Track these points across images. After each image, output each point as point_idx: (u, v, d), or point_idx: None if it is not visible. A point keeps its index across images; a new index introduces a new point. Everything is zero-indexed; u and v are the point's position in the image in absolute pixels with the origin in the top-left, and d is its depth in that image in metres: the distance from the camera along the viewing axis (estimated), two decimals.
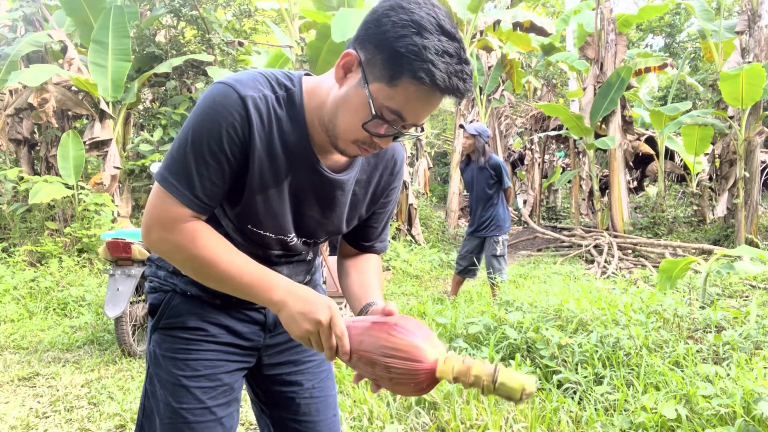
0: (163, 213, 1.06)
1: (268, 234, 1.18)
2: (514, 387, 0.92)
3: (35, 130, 8.52)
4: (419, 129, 1.07)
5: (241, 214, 1.14)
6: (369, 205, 1.30)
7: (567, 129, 10.70)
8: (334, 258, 4.65)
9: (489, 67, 13.03)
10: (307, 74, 1.16)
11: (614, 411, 2.63)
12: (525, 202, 16.00)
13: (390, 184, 1.32)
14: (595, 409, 2.67)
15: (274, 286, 1.07)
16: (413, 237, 9.99)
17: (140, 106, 9.57)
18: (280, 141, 1.09)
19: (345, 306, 4.41)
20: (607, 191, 10.93)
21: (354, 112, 1.02)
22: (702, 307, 4.14)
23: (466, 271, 5.56)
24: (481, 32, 11.41)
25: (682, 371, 2.82)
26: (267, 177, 1.10)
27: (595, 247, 9.12)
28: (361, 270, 1.34)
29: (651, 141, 12.35)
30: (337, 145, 1.09)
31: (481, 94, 12.66)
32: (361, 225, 1.35)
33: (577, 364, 3.06)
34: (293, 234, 1.21)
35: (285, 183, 1.13)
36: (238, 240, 1.18)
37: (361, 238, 1.38)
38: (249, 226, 1.16)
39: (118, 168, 7.89)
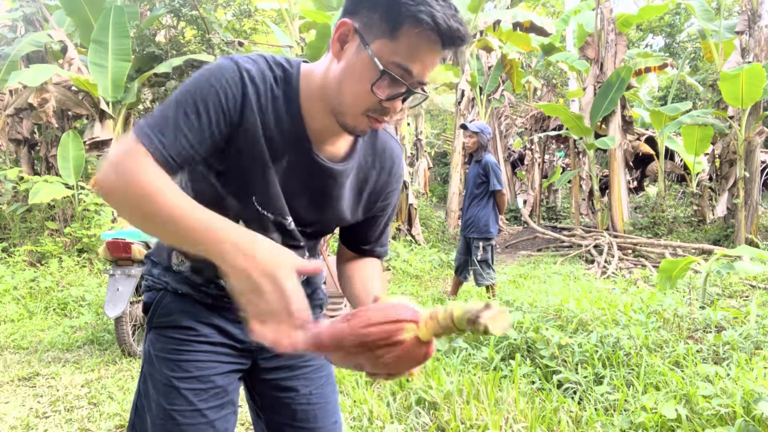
0: (121, 150, 0.96)
1: (266, 214, 1.14)
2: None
3: (35, 130, 8.52)
4: (425, 90, 1.05)
5: (243, 186, 1.11)
6: (366, 205, 1.27)
7: (567, 129, 10.70)
8: (334, 258, 4.66)
9: (489, 67, 13.04)
10: (304, 62, 1.15)
11: (614, 411, 2.63)
12: (525, 202, 16.01)
13: (388, 186, 1.29)
14: (595, 409, 2.67)
15: (220, 233, 0.89)
16: (413, 237, 9.99)
17: (140, 106, 9.56)
18: (275, 120, 1.08)
19: (346, 306, 4.41)
20: (607, 191, 10.94)
21: (359, 78, 1.00)
22: (702, 307, 4.14)
23: (459, 270, 5.55)
24: (481, 32, 11.41)
25: (682, 371, 2.82)
26: (263, 153, 1.08)
27: (595, 247, 9.13)
28: (362, 270, 1.30)
29: (651, 141, 12.35)
30: (346, 123, 1.06)
31: (481, 94, 12.66)
32: (359, 227, 1.32)
33: (577, 364, 3.06)
34: (290, 218, 1.18)
35: (279, 164, 1.11)
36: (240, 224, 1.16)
37: (360, 242, 1.34)
38: (253, 202, 1.12)
39: None
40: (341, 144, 1.17)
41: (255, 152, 1.07)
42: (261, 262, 0.86)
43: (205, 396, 1.19)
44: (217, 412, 1.20)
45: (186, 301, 1.21)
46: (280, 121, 1.08)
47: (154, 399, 1.19)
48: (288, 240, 1.21)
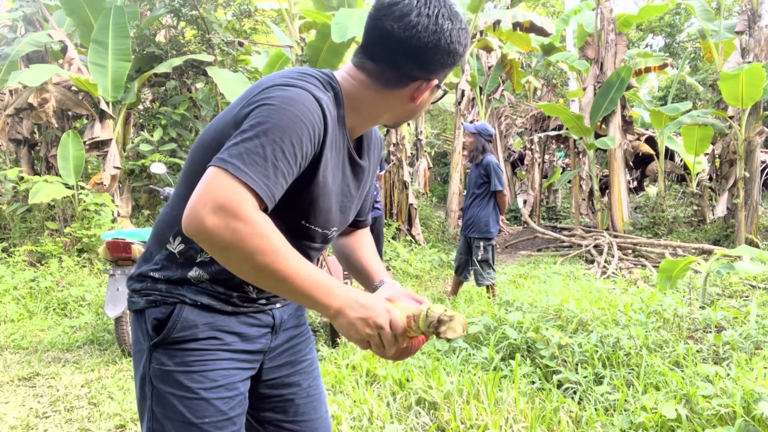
0: (230, 197, 0.93)
1: (315, 228, 1.21)
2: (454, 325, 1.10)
3: (35, 130, 8.52)
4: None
5: (298, 211, 1.15)
6: (370, 185, 1.40)
7: (567, 129, 10.70)
8: (334, 258, 4.65)
9: (489, 67, 13.02)
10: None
11: (614, 411, 2.63)
12: (525, 202, 16.00)
13: (378, 160, 1.42)
14: (595, 409, 2.67)
15: (333, 293, 1.03)
16: (413, 237, 9.99)
17: (140, 106, 9.56)
18: (335, 140, 1.15)
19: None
20: (607, 191, 10.93)
21: (428, 103, 1.24)
22: (702, 307, 4.14)
23: (459, 270, 5.55)
24: (481, 32, 11.40)
25: (682, 371, 2.82)
26: (328, 177, 1.15)
27: (595, 247, 9.12)
28: (362, 248, 1.45)
29: (651, 141, 12.35)
30: (398, 126, 1.34)
31: (481, 94, 12.66)
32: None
33: (577, 364, 3.06)
34: (335, 227, 1.27)
35: (339, 180, 1.20)
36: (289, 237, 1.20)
37: (356, 215, 1.44)
38: (303, 222, 1.18)
39: (118, 168, 7.88)
40: (356, 142, 1.30)
41: (324, 177, 1.14)
42: (376, 309, 1.06)
43: (232, 404, 1.19)
44: (241, 419, 1.22)
45: (206, 311, 1.18)
46: (338, 139, 1.16)
47: (177, 418, 1.15)
48: (324, 244, 1.29)
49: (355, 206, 1.32)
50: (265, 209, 1.00)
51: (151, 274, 1.20)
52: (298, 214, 1.16)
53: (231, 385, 1.19)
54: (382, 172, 6.62)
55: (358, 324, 1.04)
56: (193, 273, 1.17)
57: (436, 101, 1.27)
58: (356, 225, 1.47)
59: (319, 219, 1.19)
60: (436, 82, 1.18)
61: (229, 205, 0.93)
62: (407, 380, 3.01)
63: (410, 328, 1.10)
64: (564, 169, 15.67)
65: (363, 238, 1.48)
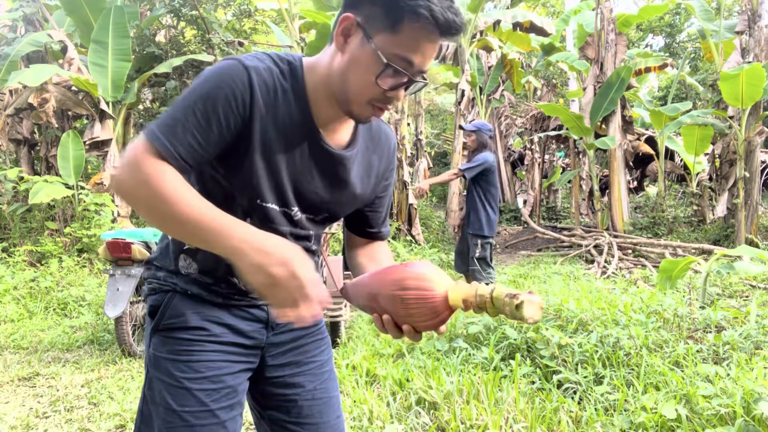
0: (136, 153, 1.01)
1: (271, 206, 1.17)
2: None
3: (35, 130, 8.52)
4: (425, 78, 1.11)
5: (250, 188, 1.14)
6: (374, 187, 1.33)
7: (567, 129, 10.70)
8: (334, 258, 4.66)
9: (489, 67, 13.03)
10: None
11: (614, 411, 2.63)
12: (525, 202, 16.00)
13: (389, 166, 1.36)
14: (595, 409, 2.67)
15: (232, 234, 0.97)
16: (413, 237, 9.99)
17: (140, 106, 9.57)
18: (285, 113, 1.12)
19: (346, 305, 4.41)
20: (607, 191, 10.94)
21: (365, 70, 1.05)
22: (702, 307, 4.14)
23: (456, 266, 5.58)
24: (481, 32, 11.41)
25: (682, 371, 2.82)
26: (272, 147, 1.11)
27: (595, 247, 9.12)
28: (375, 259, 1.36)
29: (651, 141, 12.35)
30: (352, 111, 1.12)
31: (481, 94, 12.66)
32: (366, 212, 1.37)
33: (577, 364, 3.06)
34: (296, 207, 1.21)
35: (288, 154, 1.15)
36: (253, 223, 1.16)
37: (367, 225, 1.40)
38: (258, 201, 1.15)
39: None
40: (344, 133, 1.23)
41: (264, 146, 1.11)
42: (274, 256, 0.95)
43: (216, 396, 1.18)
44: (228, 413, 1.21)
45: (196, 301, 1.21)
46: (290, 113, 1.12)
47: (161, 403, 1.17)
48: (296, 229, 1.24)
49: (331, 197, 1.23)
50: (182, 170, 1.03)
51: (154, 263, 1.27)
52: (252, 193, 1.14)
53: (216, 378, 1.19)
54: None
55: (252, 271, 0.95)
56: (183, 262, 1.21)
57: (409, 89, 1.09)
58: (367, 236, 1.41)
59: (272, 195, 1.15)
60: (356, 18, 1.04)
61: (133, 160, 1.00)
62: (407, 380, 3.01)
63: (468, 295, 0.99)
64: (564, 169, 15.67)
65: (376, 251, 1.39)
